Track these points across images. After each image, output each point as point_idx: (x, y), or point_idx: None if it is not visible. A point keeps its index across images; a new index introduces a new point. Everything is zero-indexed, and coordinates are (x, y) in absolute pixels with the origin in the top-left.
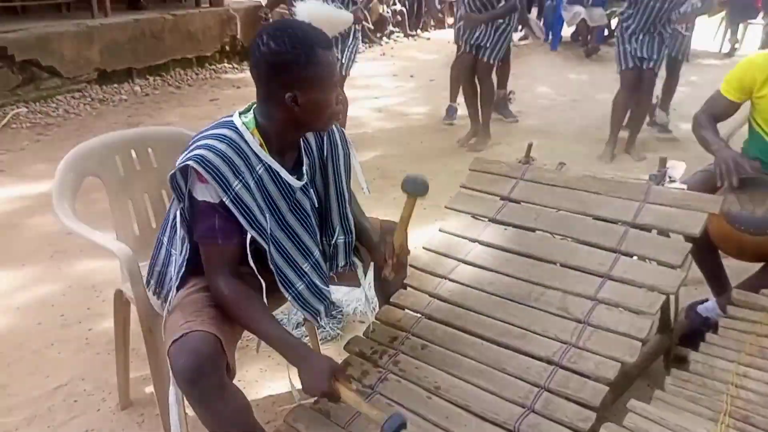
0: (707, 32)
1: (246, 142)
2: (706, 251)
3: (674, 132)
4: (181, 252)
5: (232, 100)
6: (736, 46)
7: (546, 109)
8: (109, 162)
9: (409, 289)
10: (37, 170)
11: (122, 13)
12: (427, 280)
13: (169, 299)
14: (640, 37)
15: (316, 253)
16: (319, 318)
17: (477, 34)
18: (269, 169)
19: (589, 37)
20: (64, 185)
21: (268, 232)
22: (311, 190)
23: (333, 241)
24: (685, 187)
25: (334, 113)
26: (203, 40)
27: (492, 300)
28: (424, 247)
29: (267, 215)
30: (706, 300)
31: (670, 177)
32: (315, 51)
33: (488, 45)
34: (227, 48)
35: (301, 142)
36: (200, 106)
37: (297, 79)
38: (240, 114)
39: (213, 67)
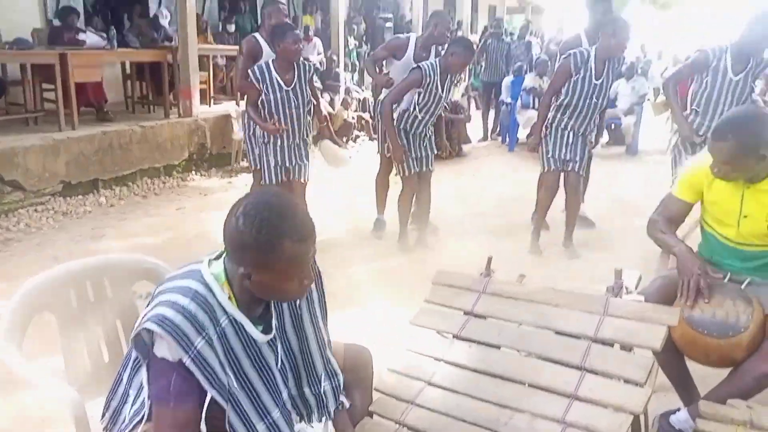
0: (654, 130)
1: (213, 293)
2: (671, 358)
3: (630, 228)
4: (139, 402)
5: (198, 208)
6: None
7: (507, 209)
8: (62, 295)
9: (375, 416)
10: None
11: (90, 125)
12: (393, 406)
13: None
14: (570, 136)
15: (275, 414)
16: None
17: (423, 144)
18: (234, 322)
19: None
20: (13, 326)
21: (227, 389)
22: (279, 344)
23: (320, 390)
24: (642, 298)
25: (293, 294)
26: (171, 149)
27: (460, 426)
28: (389, 369)
29: (227, 370)
30: (678, 410)
31: (626, 288)
32: (281, 242)
33: (430, 154)
34: (195, 156)
35: None
36: (166, 215)
37: (253, 261)
38: (210, 260)
39: (180, 175)
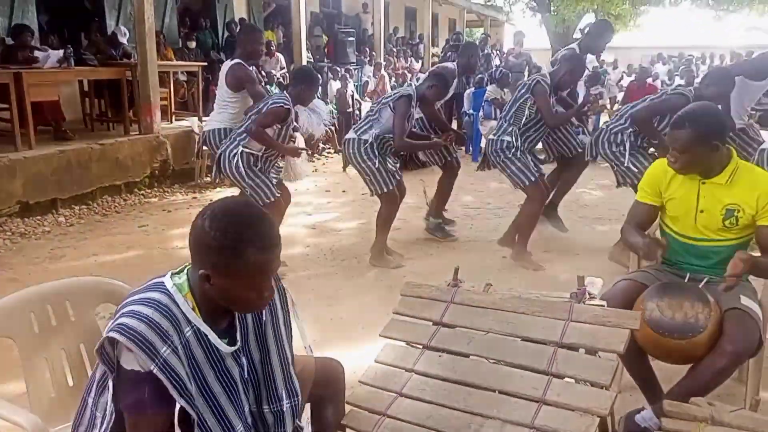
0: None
1: (176, 304)
2: (635, 358)
3: (591, 233)
4: (106, 423)
5: (161, 225)
6: None
7: (473, 219)
8: (22, 320)
9: (347, 430)
10: None
11: (47, 144)
12: (366, 418)
13: None
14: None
15: (239, 428)
16: None
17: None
18: (197, 332)
19: None
20: None
21: (195, 400)
22: (243, 357)
23: (280, 408)
24: (605, 303)
25: (252, 305)
26: (132, 166)
27: None
28: (360, 381)
29: (191, 383)
30: (643, 408)
31: (589, 293)
32: (245, 249)
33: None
34: (157, 172)
35: None
36: (128, 234)
37: (215, 264)
38: (173, 275)
39: (142, 192)
